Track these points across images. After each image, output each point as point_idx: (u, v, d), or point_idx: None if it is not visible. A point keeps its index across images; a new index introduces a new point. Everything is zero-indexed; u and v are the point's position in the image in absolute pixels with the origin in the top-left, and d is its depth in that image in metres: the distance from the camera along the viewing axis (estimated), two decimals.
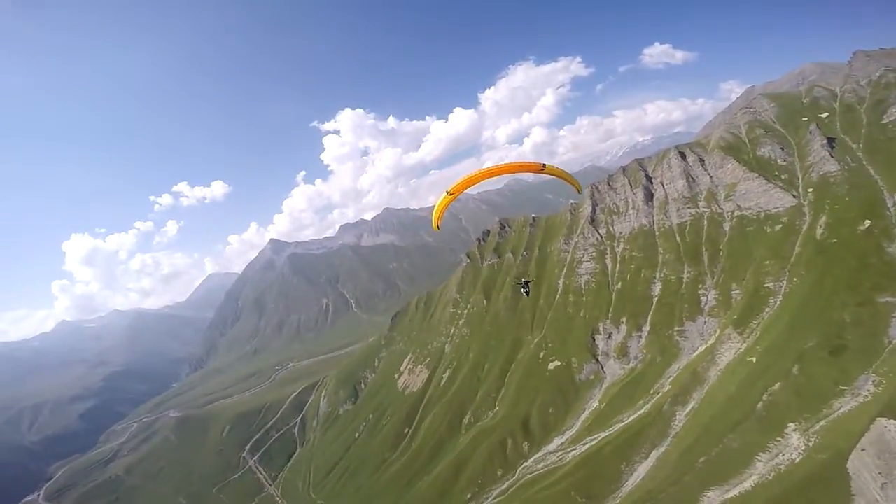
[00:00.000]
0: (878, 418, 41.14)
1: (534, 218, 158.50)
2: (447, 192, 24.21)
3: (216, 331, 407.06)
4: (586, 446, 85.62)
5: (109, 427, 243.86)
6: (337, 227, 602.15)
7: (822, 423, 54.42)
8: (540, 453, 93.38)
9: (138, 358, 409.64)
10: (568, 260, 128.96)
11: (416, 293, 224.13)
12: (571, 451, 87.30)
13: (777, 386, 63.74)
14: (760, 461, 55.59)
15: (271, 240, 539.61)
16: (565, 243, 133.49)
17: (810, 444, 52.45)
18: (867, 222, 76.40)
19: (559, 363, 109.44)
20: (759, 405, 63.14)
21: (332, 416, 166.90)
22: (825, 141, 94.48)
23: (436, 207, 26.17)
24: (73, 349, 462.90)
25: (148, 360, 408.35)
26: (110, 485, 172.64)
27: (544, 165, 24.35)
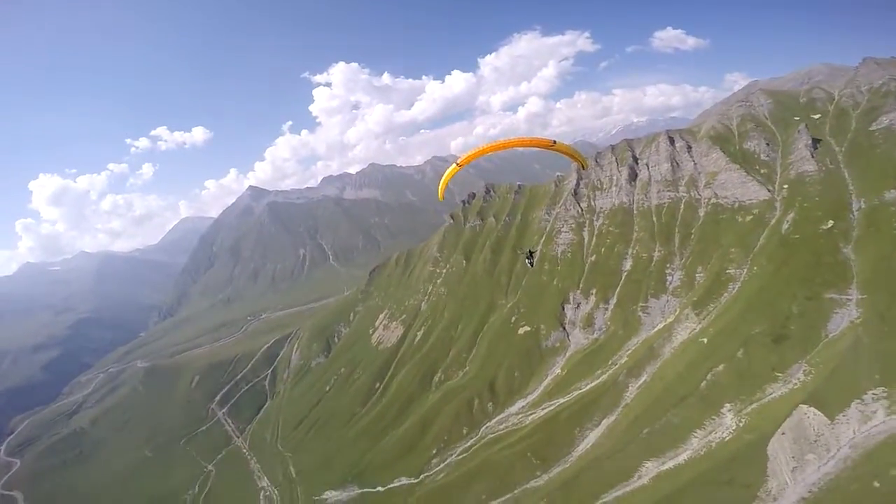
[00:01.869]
0: (801, 405, 45.65)
1: (519, 185, 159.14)
2: (456, 164, 25.27)
3: (188, 277, 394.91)
4: (545, 411, 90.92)
5: (74, 378, 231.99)
6: (320, 178, 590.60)
7: (753, 405, 59.85)
8: (503, 414, 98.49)
9: (106, 304, 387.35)
10: (548, 229, 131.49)
11: (396, 250, 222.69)
12: (531, 414, 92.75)
13: (721, 367, 68.69)
14: (696, 437, 61.10)
15: (250, 186, 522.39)
16: (547, 213, 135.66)
17: (741, 425, 57.84)
18: (830, 222, 79.99)
19: (529, 328, 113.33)
20: (703, 384, 68.25)
21: (304, 369, 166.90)
22: (810, 141, 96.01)
23: (443, 178, 27.53)
24: (37, 294, 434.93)
25: (116, 306, 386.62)
26: (74, 438, 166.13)
27: (554, 142, 24.66)
